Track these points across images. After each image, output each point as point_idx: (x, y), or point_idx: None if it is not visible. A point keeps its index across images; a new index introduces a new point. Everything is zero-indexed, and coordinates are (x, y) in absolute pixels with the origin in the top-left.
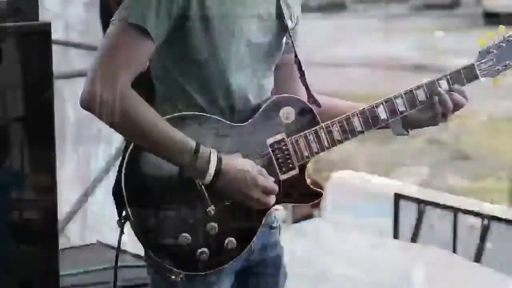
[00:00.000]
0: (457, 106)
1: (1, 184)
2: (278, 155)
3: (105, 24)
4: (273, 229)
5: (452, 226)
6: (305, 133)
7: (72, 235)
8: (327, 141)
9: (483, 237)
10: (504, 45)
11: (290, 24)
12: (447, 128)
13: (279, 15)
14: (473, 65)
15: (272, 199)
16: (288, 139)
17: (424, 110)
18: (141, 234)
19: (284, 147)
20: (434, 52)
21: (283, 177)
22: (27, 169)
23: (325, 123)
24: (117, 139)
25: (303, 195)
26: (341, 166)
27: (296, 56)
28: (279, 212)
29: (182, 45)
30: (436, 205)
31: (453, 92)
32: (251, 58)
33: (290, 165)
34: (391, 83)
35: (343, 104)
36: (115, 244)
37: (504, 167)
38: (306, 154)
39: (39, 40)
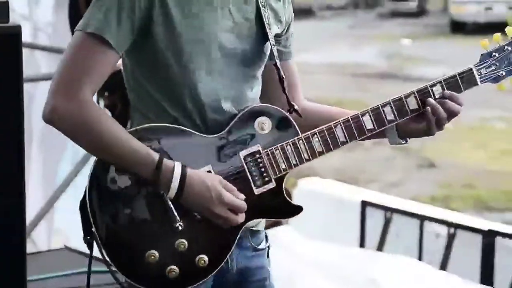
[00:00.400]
0: (452, 114)
1: None
2: (252, 168)
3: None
4: (259, 251)
5: (418, 233)
6: (282, 144)
7: (38, 240)
8: (307, 152)
9: (449, 245)
10: (509, 48)
11: (276, 29)
12: None
13: (260, 20)
14: (471, 69)
15: (241, 217)
16: (264, 151)
17: (418, 120)
18: (108, 253)
19: (259, 160)
20: (401, 59)
21: (258, 191)
22: None
23: (305, 134)
24: None
25: (282, 210)
26: (308, 173)
27: (275, 63)
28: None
29: (148, 50)
30: (402, 212)
31: (446, 100)
32: (227, 64)
33: (266, 179)
34: (359, 90)
35: (336, 111)
36: (82, 249)
37: (469, 175)
38: (283, 166)
39: (9, 43)
